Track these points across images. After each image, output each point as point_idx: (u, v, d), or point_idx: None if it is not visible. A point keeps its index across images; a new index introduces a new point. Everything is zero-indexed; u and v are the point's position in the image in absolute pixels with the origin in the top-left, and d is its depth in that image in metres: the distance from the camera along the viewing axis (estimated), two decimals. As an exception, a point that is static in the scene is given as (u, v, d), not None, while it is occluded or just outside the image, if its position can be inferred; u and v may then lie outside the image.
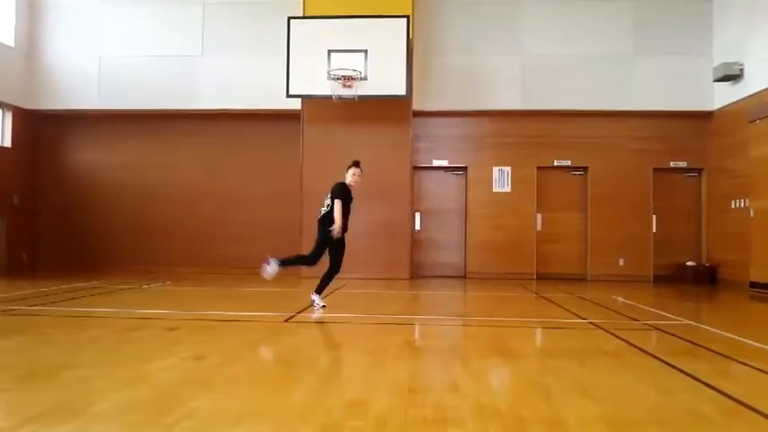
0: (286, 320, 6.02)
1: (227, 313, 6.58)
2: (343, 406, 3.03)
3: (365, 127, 11.67)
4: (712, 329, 5.82)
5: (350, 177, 6.74)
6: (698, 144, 12.15)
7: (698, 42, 12.03)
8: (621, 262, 12.08)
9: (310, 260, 6.71)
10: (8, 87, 12.18)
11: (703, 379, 3.64)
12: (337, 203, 6.50)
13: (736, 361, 4.29)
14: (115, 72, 12.61)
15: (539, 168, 12.31)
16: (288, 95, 11.12)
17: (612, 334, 5.36)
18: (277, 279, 10.99)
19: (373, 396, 3.20)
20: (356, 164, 6.82)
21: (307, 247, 11.52)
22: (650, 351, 4.71)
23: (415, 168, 12.28)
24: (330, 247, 6.66)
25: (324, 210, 6.65)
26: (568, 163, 12.35)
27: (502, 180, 12.30)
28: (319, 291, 6.82)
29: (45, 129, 12.96)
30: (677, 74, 12.04)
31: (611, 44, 12.17)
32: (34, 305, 6.86)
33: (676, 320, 6.38)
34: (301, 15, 11.50)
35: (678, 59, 12.05)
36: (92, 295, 8.06)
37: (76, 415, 2.79)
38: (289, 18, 11.14)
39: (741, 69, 10.97)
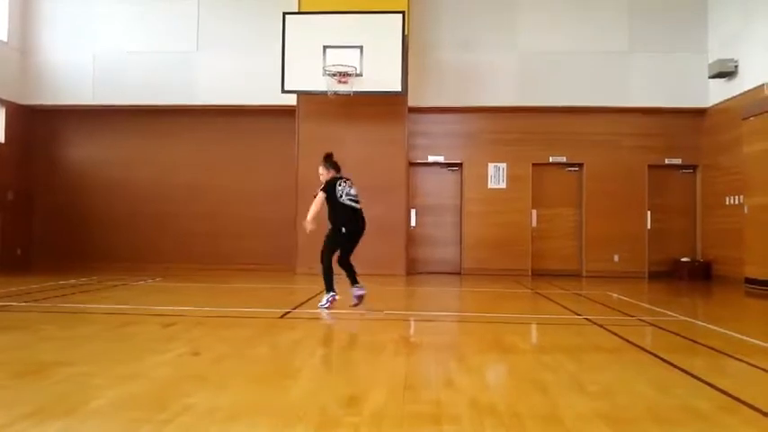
0: (282, 316, 6.02)
1: (222, 309, 6.58)
2: (340, 402, 3.03)
3: (361, 123, 11.65)
4: (708, 325, 5.84)
5: None
6: (693, 141, 12.18)
7: (693, 39, 12.04)
8: (616, 258, 12.10)
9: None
10: (2, 82, 12.06)
11: (699, 375, 3.65)
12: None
13: (732, 357, 4.31)
14: (110, 67, 12.53)
15: (534, 165, 12.31)
16: (283, 91, 11.09)
17: (608, 330, 5.37)
18: (273, 276, 11.04)
19: (369, 392, 3.20)
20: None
21: (303, 244, 11.59)
22: (646, 347, 4.72)
23: (411, 164, 12.27)
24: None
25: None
26: (563, 159, 12.36)
27: (497, 176, 12.30)
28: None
29: (39, 124, 12.88)
30: (672, 70, 12.04)
31: (606, 41, 12.17)
32: (29, 301, 6.83)
33: (672, 316, 6.40)
34: (296, 11, 11.47)
35: (673, 56, 12.06)
36: (86, 291, 8.03)
37: (72, 411, 2.78)
38: (284, 13, 11.09)
39: (736, 66, 10.99)
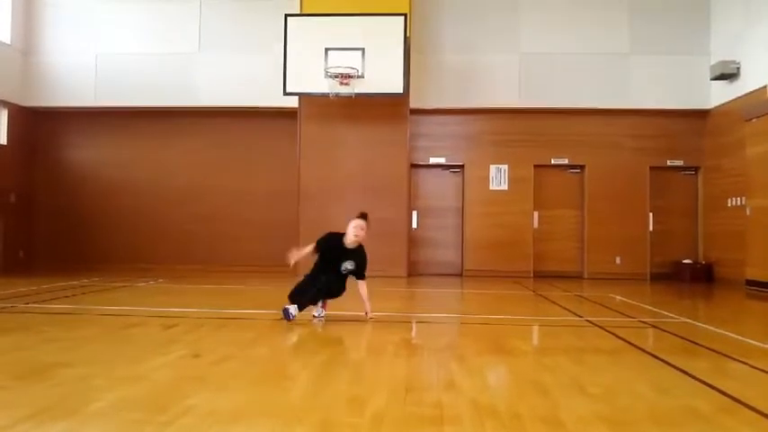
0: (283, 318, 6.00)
1: (223, 311, 6.58)
2: (341, 403, 3.03)
3: (362, 125, 11.66)
4: (709, 327, 5.83)
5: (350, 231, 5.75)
6: (695, 142, 12.17)
7: (695, 40, 12.04)
8: (618, 260, 12.09)
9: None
10: (4, 84, 12.12)
11: (700, 376, 3.64)
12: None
13: (733, 359, 4.30)
14: (112, 69, 12.56)
15: (536, 166, 12.32)
16: (285, 93, 11.09)
17: (609, 332, 5.37)
18: (275, 278, 11.03)
19: (370, 394, 3.20)
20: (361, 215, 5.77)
21: (303, 244, 11.58)
22: (647, 349, 4.72)
23: (413, 166, 12.27)
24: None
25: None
26: (565, 161, 12.36)
27: (499, 178, 12.30)
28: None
29: (41, 126, 12.92)
30: (674, 72, 12.05)
31: (607, 42, 12.18)
32: (31, 302, 6.84)
33: (673, 318, 6.39)
34: (298, 13, 11.49)
35: (675, 58, 12.06)
36: (88, 293, 8.04)
37: (73, 413, 2.78)
38: (286, 15, 11.11)
39: (738, 68, 10.99)
